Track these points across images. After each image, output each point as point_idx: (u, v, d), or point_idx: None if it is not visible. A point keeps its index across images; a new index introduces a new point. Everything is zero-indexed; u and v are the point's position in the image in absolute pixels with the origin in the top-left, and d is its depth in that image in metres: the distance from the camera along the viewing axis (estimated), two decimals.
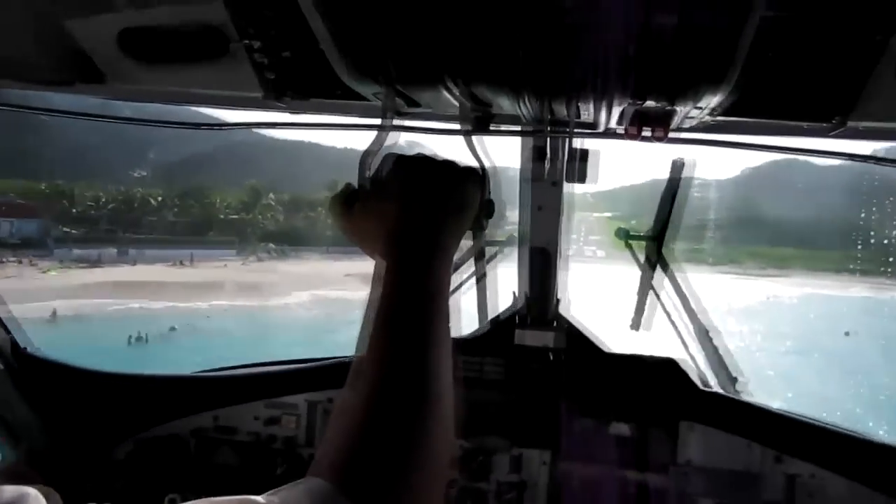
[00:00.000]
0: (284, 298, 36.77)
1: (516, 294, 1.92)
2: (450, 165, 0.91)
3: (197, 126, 1.56)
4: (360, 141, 0.97)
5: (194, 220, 68.86)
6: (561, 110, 0.99)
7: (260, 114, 1.39)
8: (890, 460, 1.64)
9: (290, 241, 63.74)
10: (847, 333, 30.82)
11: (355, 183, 0.90)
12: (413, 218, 0.84)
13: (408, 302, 0.77)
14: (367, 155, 0.93)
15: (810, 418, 1.77)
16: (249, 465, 1.93)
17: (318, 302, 35.23)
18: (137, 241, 56.32)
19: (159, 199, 70.60)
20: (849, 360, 25.81)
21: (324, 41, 0.85)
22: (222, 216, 69.49)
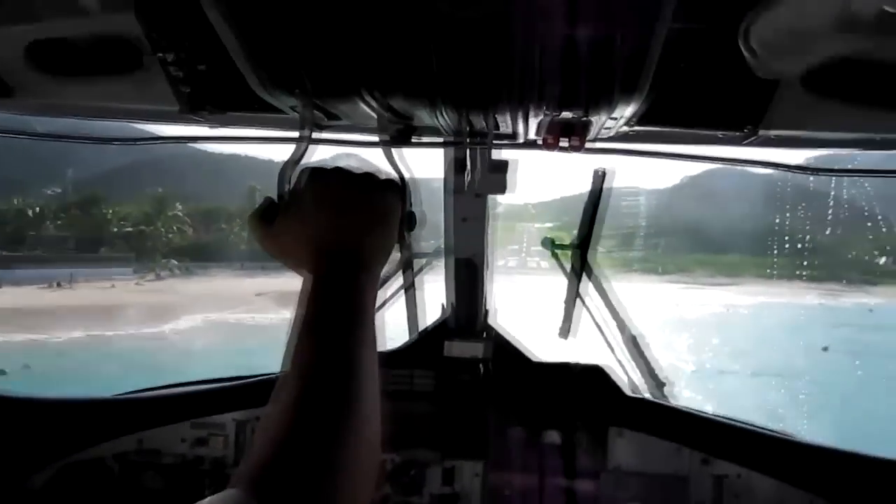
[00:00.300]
0: (169, 324, 33.37)
1: (445, 306, 2.06)
2: (369, 177, 0.95)
3: (108, 141, 1.59)
4: (285, 153, 1.00)
5: (83, 234, 63.57)
6: (480, 122, 1.05)
7: (180, 127, 1.45)
8: (811, 458, 1.84)
9: (199, 256, 60.89)
10: (825, 349, 28.86)
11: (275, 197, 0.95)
12: (332, 230, 0.89)
13: (330, 315, 0.82)
14: (285, 168, 0.97)
15: (735, 420, 1.97)
16: (176, 488, 1.98)
17: (211, 327, 32.36)
18: (7, 260, 51.29)
19: (37, 210, 65.47)
20: (840, 384, 22.41)
21: (236, 55, 0.88)
22: (116, 229, 64.84)
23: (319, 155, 1.06)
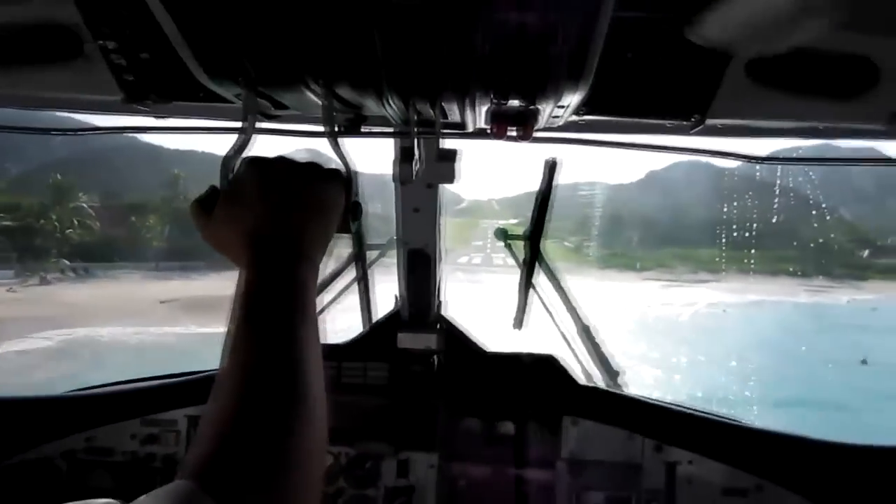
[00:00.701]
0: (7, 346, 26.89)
1: (397, 297, 2.23)
2: (311, 167, 1.01)
3: (47, 132, 1.72)
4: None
5: None
6: (427, 110, 1.09)
7: (124, 118, 1.52)
8: (759, 443, 2.07)
9: (105, 255, 56.19)
10: (864, 362, 25.04)
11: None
12: (271, 220, 0.94)
13: (270, 305, 0.87)
14: (228, 158, 1.02)
15: (686, 407, 2.20)
16: (127, 486, 2.11)
17: (63, 351, 26.16)
18: None
19: None
20: None
21: (176, 42, 0.91)
22: None
23: (274, 149, 1.08)
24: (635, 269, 65.71)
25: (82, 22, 1.11)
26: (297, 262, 0.92)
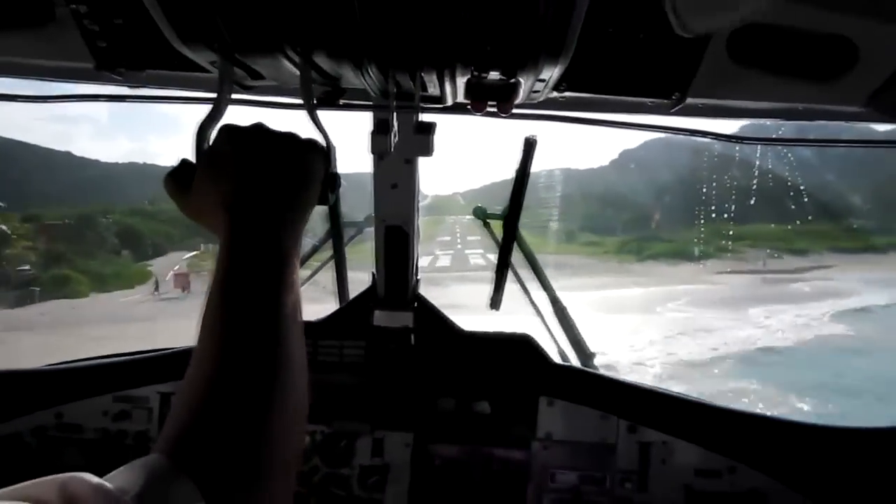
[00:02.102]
0: None
1: (374, 274, 2.25)
2: (289, 137, 1.02)
3: (15, 98, 1.66)
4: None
5: None
6: (406, 82, 1.10)
7: (96, 86, 1.51)
8: (732, 424, 2.12)
9: None
10: None
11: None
12: (251, 187, 0.94)
13: (251, 274, 0.87)
14: (203, 128, 1.01)
15: (660, 389, 2.23)
16: (98, 464, 2.06)
17: None
18: None
19: None
20: None
21: (150, 4, 0.90)
22: None
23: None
24: (692, 257, 50.06)
25: None
26: (278, 229, 0.93)
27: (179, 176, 1.01)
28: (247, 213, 0.93)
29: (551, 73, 1.04)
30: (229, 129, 1.01)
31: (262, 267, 0.89)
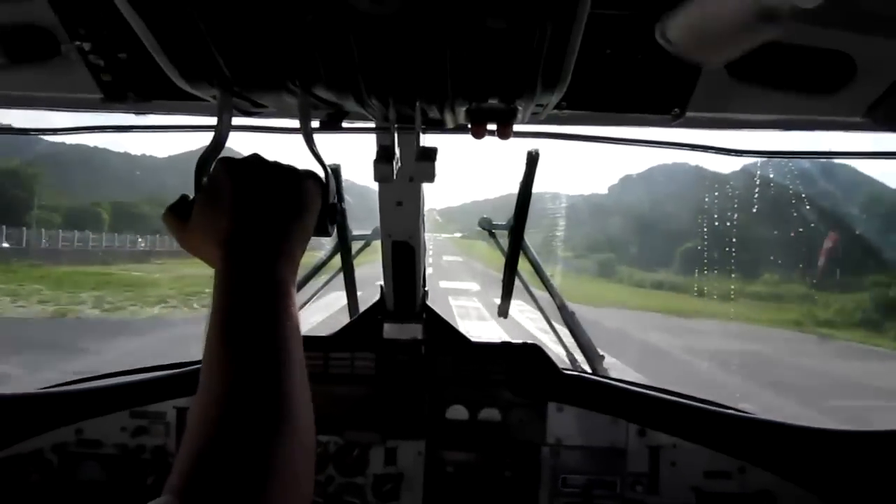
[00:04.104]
0: None
1: (383, 288, 2.27)
2: (286, 168, 1.00)
3: (25, 132, 1.74)
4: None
5: None
6: (406, 110, 1.09)
7: (104, 116, 1.53)
8: (739, 428, 2.13)
9: None
10: None
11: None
12: (248, 221, 0.92)
13: (249, 309, 0.85)
14: (203, 160, 1.01)
15: (669, 393, 2.26)
16: (117, 478, 2.15)
17: None
18: None
19: None
20: None
21: (151, 46, 0.90)
22: None
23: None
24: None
25: (59, 23, 1.12)
26: (275, 264, 0.91)
27: (179, 210, 0.99)
28: (245, 247, 0.91)
29: (550, 99, 1.03)
30: (226, 162, 0.99)
31: (262, 301, 0.87)
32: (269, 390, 0.79)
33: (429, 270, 2.33)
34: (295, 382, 0.82)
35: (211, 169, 1.00)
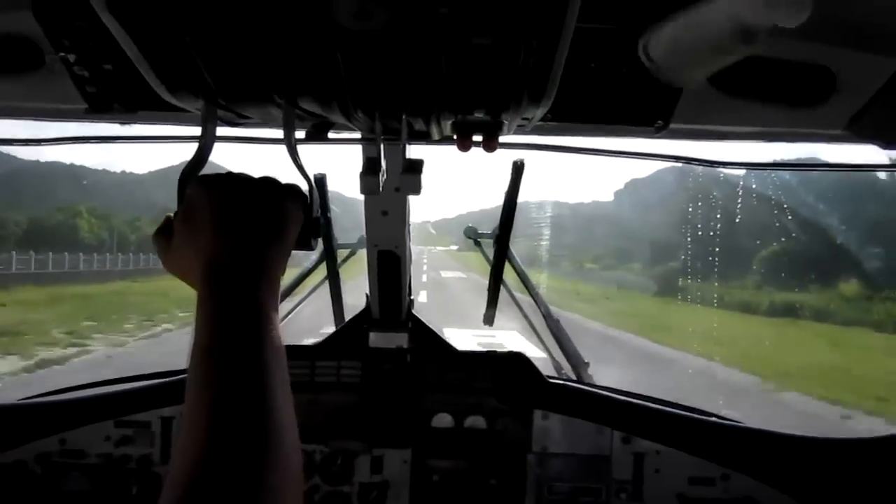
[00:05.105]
0: None
1: (369, 297, 2.27)
2: (265, 183, 0.98)
3: (10, 142, 1.73)
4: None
5: None
6: (392, 123, 1.10)
7: (90, 126, 1.55)
8: (722, 434, 2.16)
9: None
10: None
11: None
12: (227, 244, 0.90)
13: (230, 333, 0.83)
14: (185, 175, 1.01)
15: (653, 400, 2.28)
16: (102, 488, 2.13)
17: None
18: None
19: None
20: None
21: (136, 60, 0.90)
22: None
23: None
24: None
25: (43, 34, 1.10)
26: (256, 287, 0.88)
27: (167, 232, 0.98)
28: (225, 270, 0.89)
29: (535, 113, 1.04)
30: (203, 181, 0.98)
31: (241, 329, 0.84)
32: (254, 419, 0.77)
33: (422, 298, 2.34)
34: (280, 409, 0.80)
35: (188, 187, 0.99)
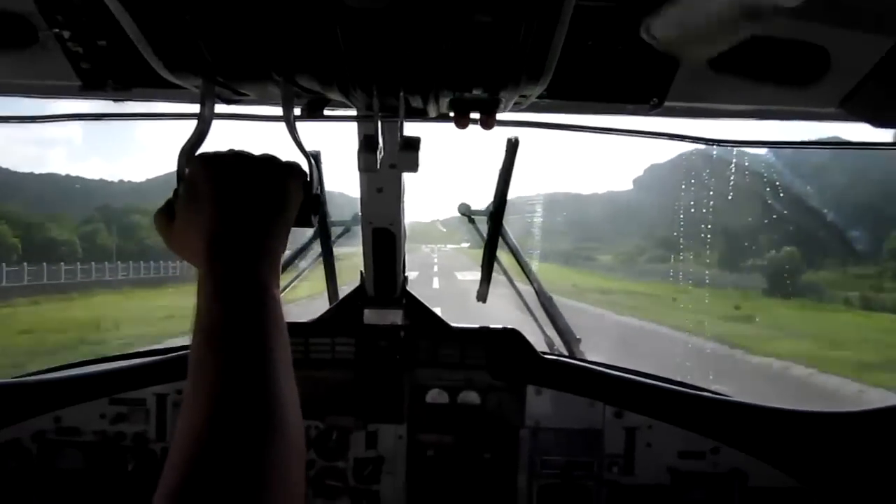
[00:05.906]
0: None
1: (363, 274, 2.27)
2: (266, 160, 0.98)
3: (4, 120, 1.66)
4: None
5: None
6: (390, 100, 1.09)
7: (83, 103, 1.49)
8: (712, 409, 2.19)
9: None
10: None
11: None
12: (229, 220, 0.90)
13: (234, 312, 0.83)
14: (184, 152, 0.99)
15: (644, 375, 2.30)
16: (97, 465, 2.15)
17: None
18: None
19: None
20: None
21: (134, 36, 0.88)
22: None
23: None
24: None
25: (36, 10, 1.09)
26: (258, 264, 0.88)
27: (168, 210, 0.98)
28: (227, 247, 0.89)
29: (533, 90, 1.04)
30: (203, 158, 0.97)
31: (244, 308, 0.84)
32: (257, 397, 0.76)
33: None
34: (282, 386, 0.79)
35: (189, 165, 0.99)
